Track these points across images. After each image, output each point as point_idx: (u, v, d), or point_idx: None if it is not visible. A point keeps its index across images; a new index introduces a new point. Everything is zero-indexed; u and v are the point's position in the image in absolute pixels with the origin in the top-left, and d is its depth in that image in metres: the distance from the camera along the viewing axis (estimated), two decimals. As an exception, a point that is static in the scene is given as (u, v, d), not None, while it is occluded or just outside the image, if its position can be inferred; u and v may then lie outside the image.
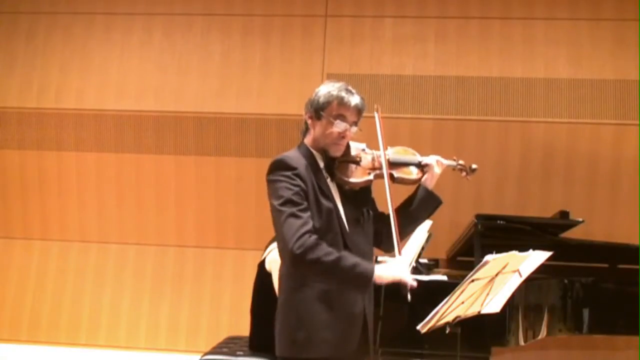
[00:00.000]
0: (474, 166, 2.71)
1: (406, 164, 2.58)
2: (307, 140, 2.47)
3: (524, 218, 3.99)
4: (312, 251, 2.20)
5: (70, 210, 5.37)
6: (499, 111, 5.07)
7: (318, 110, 2.41)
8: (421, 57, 5.16)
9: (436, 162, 2.58)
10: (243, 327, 4.06)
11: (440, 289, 3.07)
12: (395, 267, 2.28)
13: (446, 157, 2.66)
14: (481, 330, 3.08)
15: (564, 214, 3.96)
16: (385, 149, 2.50)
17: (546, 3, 5.10)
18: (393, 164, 2.54)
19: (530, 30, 5.09)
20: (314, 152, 2.44)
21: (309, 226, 2.25)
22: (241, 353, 3.50)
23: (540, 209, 4.81)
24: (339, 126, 2.38)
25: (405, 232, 2.60)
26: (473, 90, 5.09)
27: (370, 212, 2.50)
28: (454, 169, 2.71)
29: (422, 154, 2.66)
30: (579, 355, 4.90)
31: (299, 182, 2.30)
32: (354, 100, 2.42)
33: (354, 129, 2.43)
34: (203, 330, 5.16)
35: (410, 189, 2.61)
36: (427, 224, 3.68)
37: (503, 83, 5.08)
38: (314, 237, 2.23)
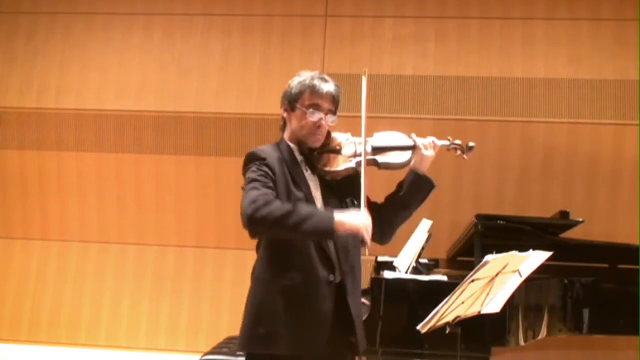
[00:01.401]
0: (471, 144, 2.55)
1: (393, 148, 2.42)
2: (286, 135, 2.42)
3: (524, 218, 3.98)
4: (264, 207, 2.12)
5: (70, 210, 5.37)
6: (499, 111, 5.07)
7: (292, 101, 2.37)
8: (421, 57, 5.16)
9: (428, 144, 2.43)
10: (243, 327, 4.05)
11: (440, 289, 3.07)
12: (357, 217, 2.15)
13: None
14: (481, 330, 3.08)
15: (564, 214, 3.95)
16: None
17: (546, 3, 5.10)
18: (377, 149, 2.40)
19: (530, 30, 5.09)
20: (292, 145, 2.39)
21: (267, 195, 2.17)
22: (241, 353, 3.49)
23: (540, 209, 4.80)
24: (313, 115, 2.32)
25: (398, 220, 2.46)
26: (473, 90, 5.09)
27: (355, 202, 2.36)
28: (448, 149, 2.57)
29: None
30: (579, 355, 4.89)
31: (266, 169, 2.26)
32: (327, 87, 2.35)
33: (332, 117, 2.36)
34: (203, 330, 5.16)
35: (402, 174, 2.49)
36: (427, 224, 3.69)
37: (503, 83, 5.08)
38: (267, 196, 2.15)
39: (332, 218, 2.14)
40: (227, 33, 5.34)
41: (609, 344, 4.81)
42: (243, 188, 2.26)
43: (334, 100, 2.37)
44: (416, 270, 3.61)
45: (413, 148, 2.42)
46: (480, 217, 3.62)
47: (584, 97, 5.02)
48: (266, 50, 5.28)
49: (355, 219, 2.15)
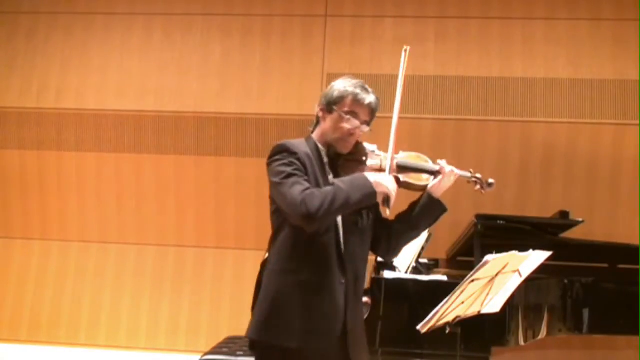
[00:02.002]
0: (490, 180, 2.59)
1: (415, 170, 2.46)
2: (316, 134, 2.42)
3: (524, 218, 3.99)
4: (312, 199, 2.15)
5: (70, 210, 5.37)
6: (499, 111, 5.07)
7: (331, 103, 2.37)
8: (421, 57, 5.16)
9: (449, 172, 2.45)
10: (243, 327, 4.04)
11: (440, 289, 3.07)
12: (388, 180, 2.26)
13: (462, 168, 2.58)
14: (481, 330, 3.08)
15: (564, 214, 3.95)
16: (392, 159, 2.38)
17: (546, 3, 5.10)
18: (401, 167, 2.43)
19: (530, 30, 5.09)
20: (320, 146, 2.39)
21: (313, 190, 2.20)
22: (241, 353, 3.50)
23: (540, 209, 4.81)
24: (350, 122, 2.34)
25: (405, 238, 2.50)
26: (473, 90, 5.09)
27: (371, 216, 2.42)
28: (468, 182, 2.59)
29: (422, 154, 2.59)
30: (579, 355, 4.90)
31: (298, 164, 2.27)
32: (369, 98, 2.39)
33: (365, 128, 2.39)
34: (203, 330, 5.16)
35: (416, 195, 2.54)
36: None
37: (503, 83, 5.08)
38: (307, 191, 2.18)
39: (370, 181, 2.22)
40: (227, 33, 5.33)
41: (609, 344, 4.81)
42: (276, 181, 2.26)
43: (373, 112, 2.42)
44: (416, 270, 3.62)
45: (436, 173, 2.45)
46: (480, 217, 3.62)
47: (584, 97, 5.02)
48: (266, 50, 5.27)
49: (387, 182, 2.25)
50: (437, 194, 2.46)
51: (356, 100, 2.37)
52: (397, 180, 2.40)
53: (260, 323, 2.29)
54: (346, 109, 2.36)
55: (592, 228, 4.52)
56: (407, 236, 2.50)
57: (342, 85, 2.40)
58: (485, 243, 3.53)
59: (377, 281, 3.19)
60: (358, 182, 2.22)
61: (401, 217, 2.47)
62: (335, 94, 2.38)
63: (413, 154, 2.53)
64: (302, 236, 2.26)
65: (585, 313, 3.53)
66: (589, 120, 5.01)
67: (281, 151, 2.31)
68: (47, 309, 5.33)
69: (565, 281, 3.54)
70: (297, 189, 2.18)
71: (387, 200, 2.24)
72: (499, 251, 2.28)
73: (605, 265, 4.17)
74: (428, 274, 3.63)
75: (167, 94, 5.32)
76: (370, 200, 2.24)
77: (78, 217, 5.36)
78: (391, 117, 2.41)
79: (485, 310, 2.49)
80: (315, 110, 2.44)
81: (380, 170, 2.37)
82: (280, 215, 2.31)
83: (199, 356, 3.59)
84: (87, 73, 5.41)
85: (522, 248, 2.39)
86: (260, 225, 4.98)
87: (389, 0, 5.23)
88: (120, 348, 5.23)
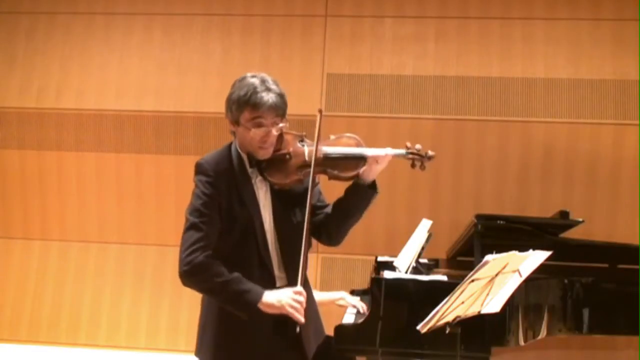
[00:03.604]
0: (430, 153, 2.43)
1: (345, 158, 2.32)
2: (237, 143, 2.35)
3: (524, 218, 3.98)
4: (199, 271, 2.23)
5: (70, 210, 5.37)
6: (499, 111, 5.07)
7: (235, 118, 2.27)
8: (421, 57, 5.16)
9: (379, 157, 2.30)
10: (243, 327, 4.04)
11: (440, 289, 3.07)
12: (285, 298, 2.18)
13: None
14: (481, 330, 3.08)
15: (564, 214, 3.95)
16: (318, 151, 2.27)
17: (546, 3, 5.10)
18: (329, 159, 2.31)
19: (530, 30, 5.09)
20: (242, 153, 2.33)
21: (206, 242, 2.23)
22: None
23: (540, 209, 4.80)
24: (257, 133, 2.23)
25: (344, 225, 2.40)
26: (473, 90, 5.09)
27: (304, 212, 2.30)
28: (406, 159, 2.43)
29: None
30: (579, 355, 4.90)
31: (212, 191, 2.24)
32: (268, 99, 2.21)
33: (279, 126, 2.26)
34: (203, 330, 5.15)
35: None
36: (427, 224, 3.69)
37: (503, 83, 5.08)
38: (204, 255, 2.22)
39: (256, 302, 2.18)
40: (227, 33, 5.33)
41: (609, 344, 4.81)
42: (187, 211, 2.31)
43: (278, 109, 2.24)
44: (416, 270, 3.61)
45: (364, 160, 2.32)
46: (480, 217, 3.61)
47: (584, 97, 5.02)
48: (266, 50, 5.27)
49: (284, 301, 2.17)
50: (368, 179, 2.34)
51: (254, 108, 2.21)
52: (324, 172, 2.32)
53: (197, 340, 2.46)
54: (248, 123, 2.24)
55: (592, 228, 4.52)
56: (345, 223, 2.41)
57: (237, 96, 2.24)
58: (485, 243, 3.52)
59: (377, 281, 3.19)
60: (247, 299, 2.20)
61: (336, 204, 2.41)
62: (234, 107, 2.25)
63: (344, 136, 2.38)
64: (225, 242, 2.29)
65: (585, 313, 3.53)
66: (589, 120, 5.01)
67: (199, 172, 2.30)
68: (47, 309, 5.33)
69: (565, 281, 3.54)
70: (193, 237, 2.27)
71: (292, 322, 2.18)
72: (499, 251, 2.28)
73: (605, 265, 4.16)
74: (428, 274, 3.62)
75: (167, 94, 5.32)
76: (243, 312, 2.22)
77: (78, 217, 5.36)
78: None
79: (485, 310, 2.49)
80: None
81: (305, 165, 2.28)
82: None
83: (199, 356, 3.58)
84: (87, 73, 5.41)
85: (522, 248, 2.39)
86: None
87: (389, 0, 5.22)
88: (120, 348, 5.23)
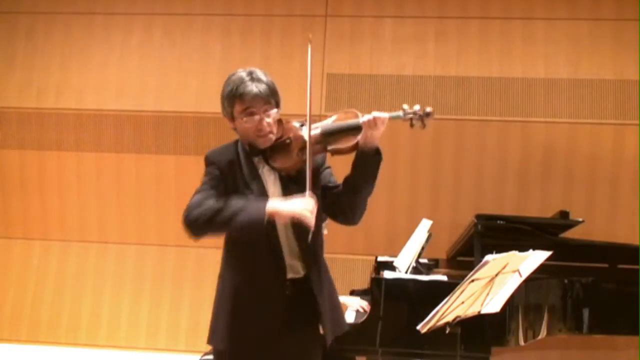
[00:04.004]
0: (428, 109, 2.36)
1: (342, 131, 2.31)
2: (239, 136, 2.44)
3: (524, 218, 3.98)
4: (196, 208, 2.19)
5: (70, 210, 5.37)
6: (499, 111, 5.07)
7: (228, 113, 2.37)
8: (421, 57, 5.16)
9: (372, 120, 2.24)
10: (243, 327, 4.04)
11: (440, 289, 3.07)
12: (297, 202, 2.15)
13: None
14: (481, 330, 3.08)
15: (564, 214, 3.96)
16: (315, 129, 2.29)
17: (546, 3, 5.10)
18: (327, 134, 2.32)
19: (530, 30, 5.09)
20: (245, 146, 2.39)
21: (204, 197, 2.23)
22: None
23: (540, 209, 4.81)
24: (251, 121, 2.30)
25: (357, 201, 2.35)
26: (473, 90, 5.09)
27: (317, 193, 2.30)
28: (404, 121, 2.38)
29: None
30: (579, 355, 4.90)
31: (216, 173, 2.32)
32: (252, 88, 2.28)
33: (271, 113, 2.31)
34: (203, 330, 5.12)
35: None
36: (427, 224, 3.69)
37: (503, 83, 5.08)
38: (202, 198, 2.22)
39: (263, 207, 2.15)
40: (227, 33, 5.34)
41: (609, 344, 4.81)
42: None
43: (266, 97, 2.30)
44: (416, 270, 3.61)
45: (359, 128, 2.27)
46: (480, 217, 3.62)
47: (584, 97, 5.02)
48: (266, 50, 5.27)
49: (293, 205, 2.14)
50: (367, 146, 2.28)
51: (243, 99, 2.29)
52: (325, 149, 2.32)
53: (210, 329, 2.47)
54: (240, 110, 2.31)
55: (592, 228, 4.52)
56: (356, 197, 2.35)
57: (227, 92, 2.34)
58: (485, 243, 3.52)
59: (377, 281, 3.19)
60: (252, 206, 2.17)
61: (345, 180, 2.38)
62: (225, 103, 2.35)
63: (340, 113, 2.39)
64: (233, 240, 2.33)
65: (585, 313, 3.53)
66: (589, 120, 5.01)
67: (206, 162, 2.40)
68: (47, 309, 5.33)
69: (565, 281, 3.54)
70: (197, 197, 2.24)
71: (305, 227, 2.14)
72: (499, 251, 2.28)
73: (605, 265, 4.17)
74: (428, 274, 3.63)
75: (167, 94, 5.32)
76: (255, 227, 2.16)
77: (78, 217, 5.36)
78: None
79: (485, 310, 2.49)
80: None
81: (305, 147, 2.27)
82: None
83: (199, 356, 3.59)
84: (87, 73, 5.41)
85: (522, 248, 2.39)
86: (260, 225, 4.98)
87: (389, 0, 5.22)
88: (120, 348, 5.23)
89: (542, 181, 4.99)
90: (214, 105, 5.44)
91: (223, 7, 5.36)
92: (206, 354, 3.56)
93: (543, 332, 3.41)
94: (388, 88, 5.11)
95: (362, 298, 3.66)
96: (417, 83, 5.12)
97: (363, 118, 2.27)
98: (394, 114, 2.34)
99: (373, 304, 3.14)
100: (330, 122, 2.37)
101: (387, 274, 3.34)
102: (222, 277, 2.40)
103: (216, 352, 2.44)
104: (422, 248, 3.67)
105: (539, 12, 5.10)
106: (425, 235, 3.65)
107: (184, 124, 5.29)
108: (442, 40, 5.16)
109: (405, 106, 2.38)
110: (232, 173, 2.31)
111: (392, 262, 3.90)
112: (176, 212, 5.24)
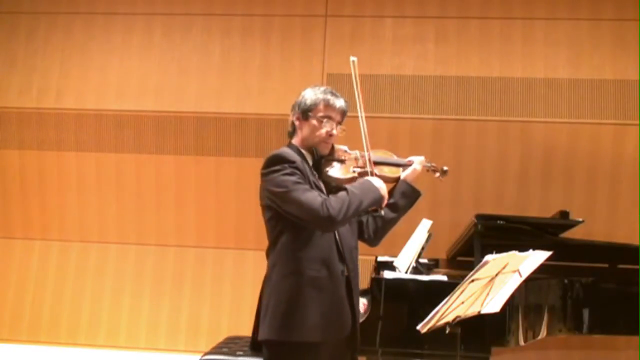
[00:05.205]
0: (445, 168, 2.89)
1: (387, 164, 2.73)
2: (295, 141, 2.61)
3: (524, 218, 3.98)
4: (337, 205, 2.36)
5: (70, 210, 5.37)
6: (499, 111, 5.07)
7: (305, 111, 2.57)
8: (421, 57, 5.16)
9: (419, 162, 2.74)
10: (243, 327, 4.05)
11: (440, 289, 3.07)
12: (383, 184, 2.54)
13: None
14: (481, 330, 3.08)
15: (564, 214, 3.95)
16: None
17: (546, 3, 5.10)
18: (376, 163, 2.68)
19: (530, 30, 5.09)
20: (303, 151, 2.58)
21: (312, 192, 2.41)
22: (241, 353, 3.50)
23: (540, 209, 4.81)
24: (327, 125, 2.55)
25: (389, 224, 2.71)
26: (473, 90, 5.09)
27: None
28: (427, 170, 2.88)
29: (421, 154, 2.75)
30: (579, 355, 4.90)
31: (299, 172, 2.43)
32: (339, 102, 2.59)
33: (340, 128, 2.60)
34: (203, 330, 5.16)
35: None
36: (427, 224, 3.69)
37: (503, 83, 5.08)
38: (324, 199, 2.39)
39: (374, 186, 2.49)
40: (227, 33, 5.34)
41: (609, 344, 4.81)
42: (283, 190, 2.39)
43: (344, 114, 2.62)
44: (416, 270, 3.61)
45: (406, 165, 2.74)
46: (480, 217, 3.62)
47: (584, 97, 5.02)
48: (266, 50, 5.28)
49: (382, 185, 2.54)
50: (410, 180, 2.72)
51: (328, 105, 2.56)
52: (374, 174, 2.65)
53: (278, 324, 2.41)
54: (320, 114, 2.55)
55: (592, 228, 4.52)
56: (386, 225, 2.72)
57: (313, 94, 2.59)
58: (485, 243, 3.53)
59: (377, 281, 3.19)
60: (367, 188, 2.47)
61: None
62: (308, 102, 2.57)
63: (380, 151, 2.79)
64: (303, 236, 2.43)
65: (585, 313, 3.53)
66: (589, 120, 5.01)
67: (279, 162, 2.44)
68: (47, 309, 5.33)
69: (565, 281, 3.54)
70: (312, 194, 2.38)
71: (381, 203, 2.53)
72: (499, 251, 2.28)
73: (605, 265, 4.17)
74: (428, 274, 3.62)
75: (167, 94, 5.33)
76: (378, 203, 2.50)
77: (78, 217, 5.36)
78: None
79: (485, 310, 2.49)
80: (290, 118, 2.62)
81: (358, 166, 2.63)
82: (278, 221, 2.46)
83: (199, 356, 3.59)
84: (87, 73, 5.41)
85: (522, 248, 2.39)
86: (260, 226, 4.90)
87: (389, 0, 5.23)
88: (120, 348, 5.23)
89: (542, 181, 4.99)
90: (214, 105, 5.50)
91: (223, 7, 5.36)
92: (206, 353, 3.56)
93: (543, 332, 3.41)
94: (388, 88, 5.11)
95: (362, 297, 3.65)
96: (417, 83, 5.12)
97: (412, 158, 2.76)
98: (427, 163, 2.86)
99: (373, 304, 3.14)
100: (372, 154, 2.69)
101: (387, 274, 3.34)
102: (289, 272, 2.44)
103: (297, 346, 2.41)
104: (422, 248, 3.67)
105: (539, 13, 5.10)
106: (425, 235, 3.65)
107: (184, 124, 5.29)
108: (442, 41, 5.16)
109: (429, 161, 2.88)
110: (304, 172, 2.47)
111: (392, 262, 3.90)
112: (176, 212, 5.30)
